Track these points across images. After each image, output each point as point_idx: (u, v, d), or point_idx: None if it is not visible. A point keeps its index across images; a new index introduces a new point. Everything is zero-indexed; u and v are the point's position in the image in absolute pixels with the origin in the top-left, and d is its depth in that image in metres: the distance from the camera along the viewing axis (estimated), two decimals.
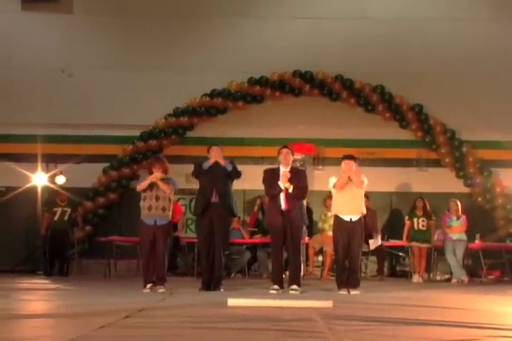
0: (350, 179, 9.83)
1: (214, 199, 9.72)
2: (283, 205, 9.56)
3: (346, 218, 9.80)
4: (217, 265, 9.72)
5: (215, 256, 9.70)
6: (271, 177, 9.74)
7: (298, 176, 9.71)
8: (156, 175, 9.76)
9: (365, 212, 9.92)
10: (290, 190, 9.56)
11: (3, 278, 12.22)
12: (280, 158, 9.78)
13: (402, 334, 5.13)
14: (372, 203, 13.30)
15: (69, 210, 13.87)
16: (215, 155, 9.78)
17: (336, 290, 9.75)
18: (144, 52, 15.48)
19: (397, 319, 6.05)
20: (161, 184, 9.73)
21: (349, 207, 9.81)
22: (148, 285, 9.66)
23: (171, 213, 9.89)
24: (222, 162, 9.76)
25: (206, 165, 9.81)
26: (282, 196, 9.60)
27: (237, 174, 9.90)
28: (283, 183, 9.56)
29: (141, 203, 9.84)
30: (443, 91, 15.16)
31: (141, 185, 9.84)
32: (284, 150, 9.80)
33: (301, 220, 9.76)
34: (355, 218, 9.80)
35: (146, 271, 9.79)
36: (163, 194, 9.75)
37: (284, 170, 9.67)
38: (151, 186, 9.77)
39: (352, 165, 9.89)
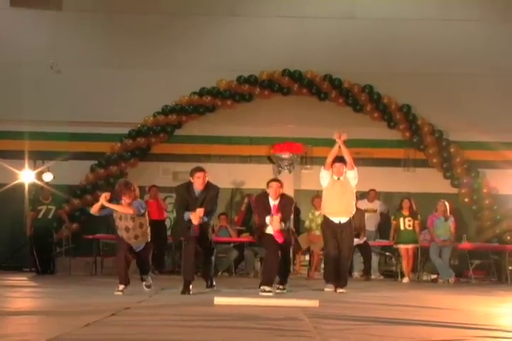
0: (338, 179, 9.85)
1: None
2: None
3: (335, 220, 9.75)
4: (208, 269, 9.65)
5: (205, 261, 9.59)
6: (262, 206, 9.51)
7: (285, 206, 9.43)
8: (103, 196, 9.00)
9: (353, 212, 9.90)
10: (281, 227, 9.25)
11: None
12: (269, 191, 9.46)
13: (388, 334, 5.14)
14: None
15: (54, 208, 13.71)
16: (199, 183, 9.18)
17: (322, 289, 9.74)
18: (133, 49, 15.43)
19: (383, 318, 6.06)
20: (114, 207, 8.95)
21: (338, 207, 9.75)
22: (121, 287, 8.80)
23: (147, 235, 9.18)
24: (198, 221, 9.11)
25: (187, 216, 9.20)
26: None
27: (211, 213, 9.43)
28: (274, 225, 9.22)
29: (117, 231, 9.16)
30: (431, 92, 15.22)
31: (93, 208, 9.18)
32: (274, 184, 9.49)
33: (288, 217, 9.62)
34: (344, 220, 9.75)
35: (123, 273, 8.96)
36: (133, 224, 8.99)
37: (274, 216, 9.24)
38: (120, 217, 9.04)
39: (343, 168, 9.88)
